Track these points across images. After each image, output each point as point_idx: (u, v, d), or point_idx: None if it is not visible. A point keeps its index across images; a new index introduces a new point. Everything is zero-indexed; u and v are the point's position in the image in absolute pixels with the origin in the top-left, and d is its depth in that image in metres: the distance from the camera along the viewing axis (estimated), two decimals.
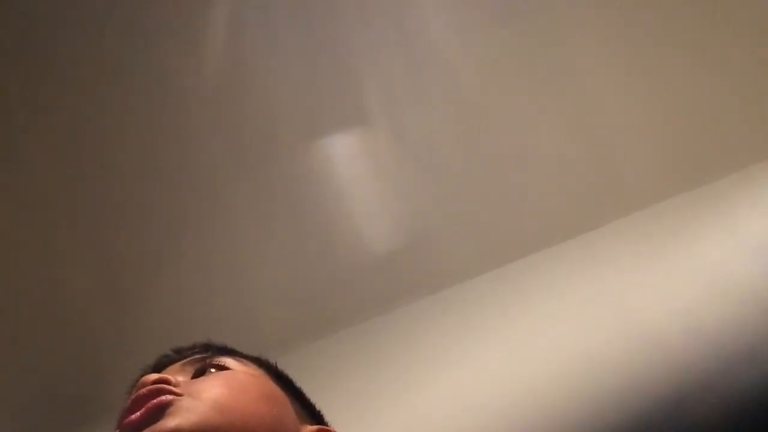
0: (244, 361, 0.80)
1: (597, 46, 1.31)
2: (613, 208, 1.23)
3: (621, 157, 1.26)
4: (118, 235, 1.35)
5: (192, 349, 0.84)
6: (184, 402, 0.65)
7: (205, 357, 0.78)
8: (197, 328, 1.27)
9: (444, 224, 1.27)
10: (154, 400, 0.63)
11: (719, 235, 1.18)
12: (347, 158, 1.35)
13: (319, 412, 0.85)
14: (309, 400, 0.85)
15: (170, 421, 0.63)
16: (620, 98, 1.29)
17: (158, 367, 0.82)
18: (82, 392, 1.25)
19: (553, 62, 1.31)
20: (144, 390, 0.65)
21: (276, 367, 0.84)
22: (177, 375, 0.75)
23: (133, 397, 0.65)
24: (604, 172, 1.27)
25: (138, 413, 0.63)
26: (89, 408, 1.21)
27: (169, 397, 0.64)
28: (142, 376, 0.81)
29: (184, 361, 0.79)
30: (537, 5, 1.33)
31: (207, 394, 0.67)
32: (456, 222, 1.27)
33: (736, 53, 1.28)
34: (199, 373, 0.75)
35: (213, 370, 0.76)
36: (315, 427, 0.78)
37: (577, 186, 1.26)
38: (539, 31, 1.32)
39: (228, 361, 0.77)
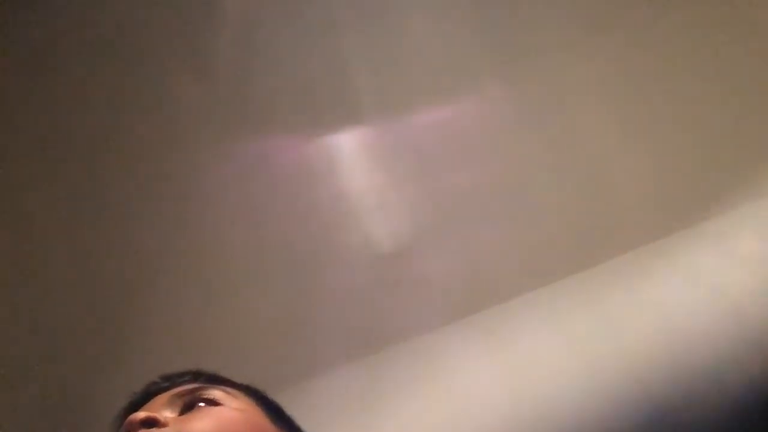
0: (233, 392, 0.79)
1: (592, 84, 1.31)
2: (608, 246, 1.23)
3: (615, 195, 1.26)
4: (112, 248, 1.35)
5: (181, 377, 0.83)
6: None
7: (194, 389, 0.77)
8: (191, 349, 1.27)
9: (438, 261, 1.27)
10: None
11: (718, 272, 1.18)
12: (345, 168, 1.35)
13: None
14: (300, 428, 0.84)
15: None
16: (616, 135, 1.29)
17: (147, 397, 0.81)
18: (71, 416, 1.25)
19: (548, 100, 1.31)
20: None
21: (266, 396, 0.83)
22: (165, 409, 0.74)
23: None
24: (599, 210, 1.26)
25: None
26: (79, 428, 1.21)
27: None
28: (130, 407, 0.81)
29: (173, 391, 0.78)
30: (530, 44, 1.33)
31: None
32: (449, 260, 1.27)
33: (735, 94, 1.28)
34: (188, 408, 0.75)
35: (202, 404, 0.75)
36: None
37: (570, 225, 1.26)
38: (534, 69, 1.32)
39: (217, 394, 0.76)
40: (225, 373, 0.84)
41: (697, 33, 1.31)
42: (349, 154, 1.35)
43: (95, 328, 1.29)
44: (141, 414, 0.69)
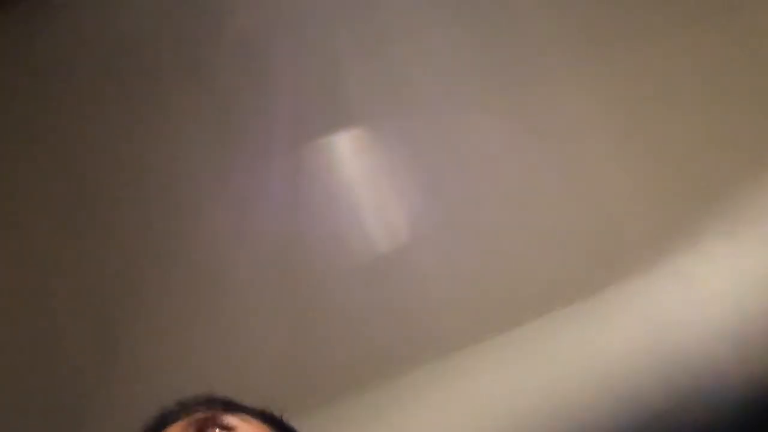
0: (249, 418, 0.78)
1: (593, 107, 1.31)
2: (610, 274, 1.21)
3: (616, 222, 1.25)
4: (112, 251, 1.35)
5: (195, 404, 0.82)
6: None
7: (208, 417, 0.76)
8: (190, 352, 1.27)
9: (435, 292, 1.27)
10: None
11: (719, 292, 1.17)
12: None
13: None
14: None
15: None
16: (618, 161, 1.29)
17: (161, 424, 0.80)
18: (69, 419, 1.25)
19: (548, 119, 1.30)
20: None
21: (282, 421, 0.83)
22: None
23: None
24: (599, 237, 1.26)
25: None
26: None
27: None
28: None
29: (188, 420, 0.77)
30: (531, 66, 1.33)
31: None
32: (448, 290, 1.26)
33: (737, 118, 1.28)
34: None
35: (218, 431, 0.74)
36: None
37: (570, 252, 1.25)
38: (534, 92, 1.32)
39: (232, 420, 0.76)
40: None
41: (699, 60, 1.31)
42: (349, 162, 1.35)
43: (93, 331, 1.30)
44: None
